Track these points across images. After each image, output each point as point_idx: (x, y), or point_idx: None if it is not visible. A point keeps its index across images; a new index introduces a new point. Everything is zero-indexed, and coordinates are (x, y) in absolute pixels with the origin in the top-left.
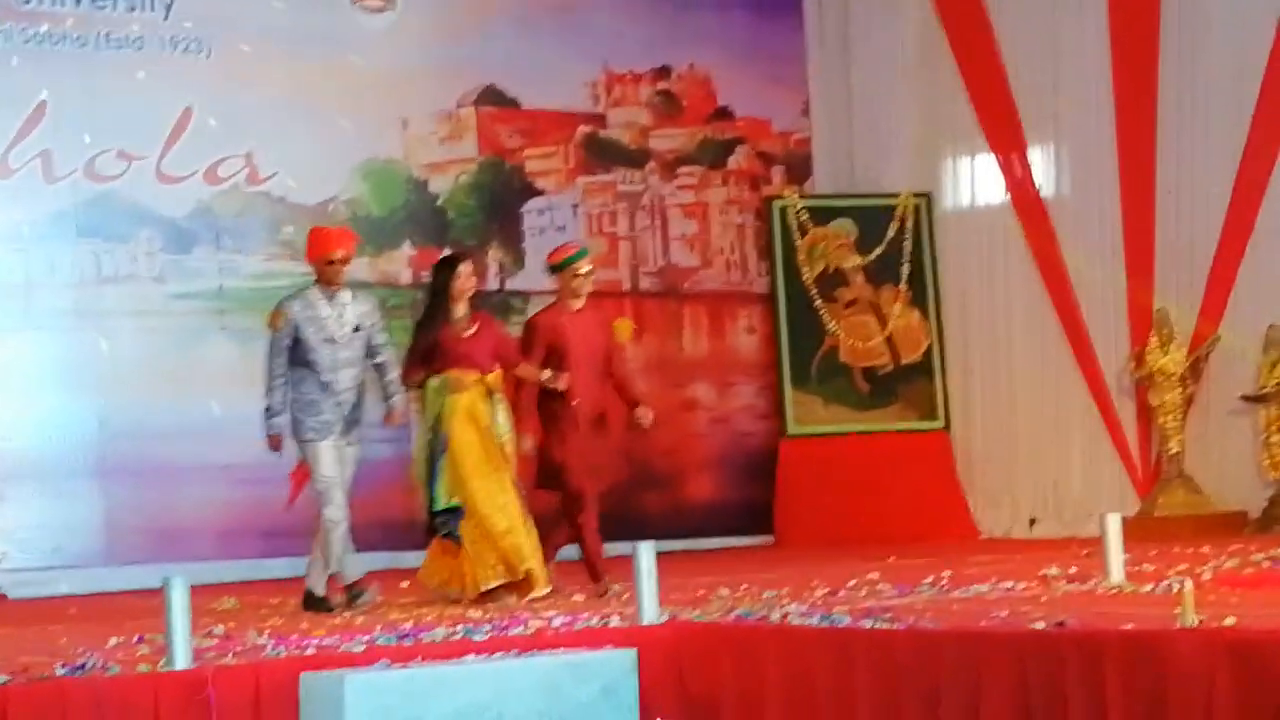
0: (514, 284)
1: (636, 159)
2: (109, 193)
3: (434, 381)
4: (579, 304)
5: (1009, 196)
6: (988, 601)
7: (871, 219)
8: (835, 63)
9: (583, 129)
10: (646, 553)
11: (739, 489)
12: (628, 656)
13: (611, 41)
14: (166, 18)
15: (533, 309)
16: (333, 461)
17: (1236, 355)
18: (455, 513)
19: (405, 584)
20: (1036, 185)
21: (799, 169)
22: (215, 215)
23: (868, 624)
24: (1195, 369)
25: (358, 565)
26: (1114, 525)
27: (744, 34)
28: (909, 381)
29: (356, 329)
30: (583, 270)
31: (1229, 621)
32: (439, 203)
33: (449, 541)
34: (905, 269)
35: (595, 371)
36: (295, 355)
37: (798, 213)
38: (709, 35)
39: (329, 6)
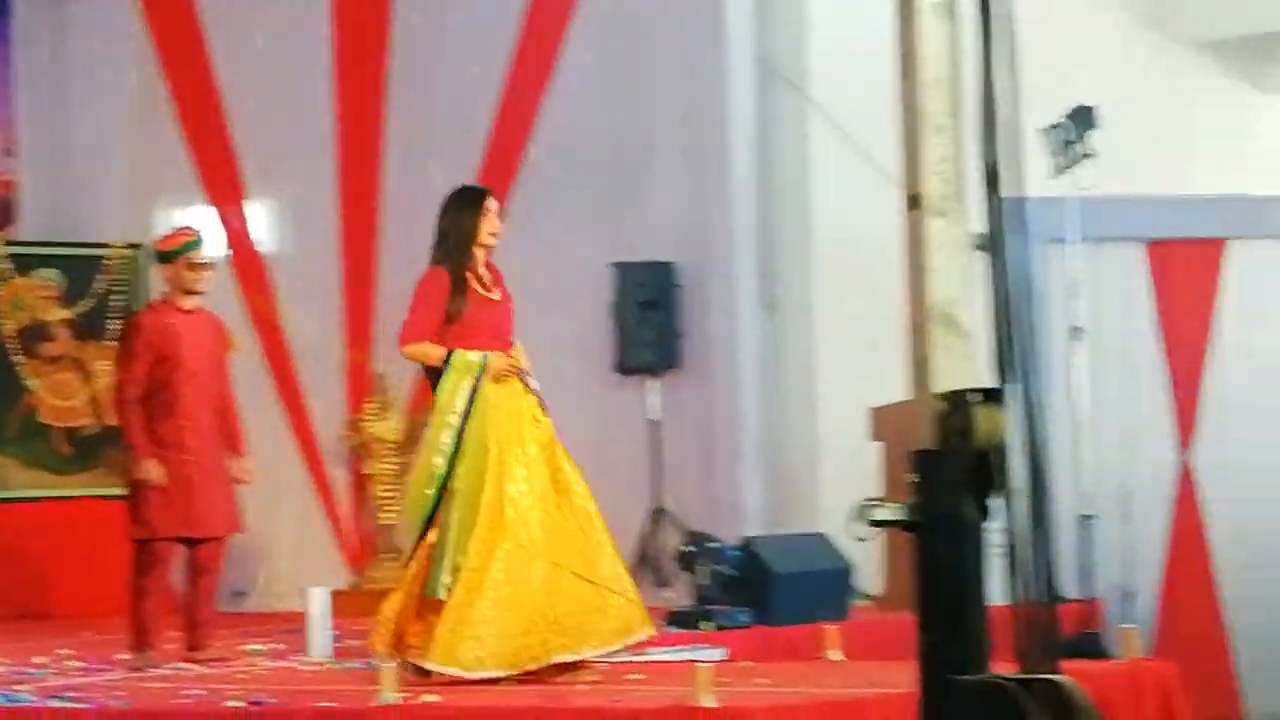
0: None
1: None
2: None
3: (469, 356)
4: (191, 303)
5: (229, 252)
6: (185, 679)
7: (80, 269)
8: (46, 103)
9: None
10: None
11: None
12: None
13: None
14: None
15: None
16: None
17: None
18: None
19: None
20: (255, 240)
21: (2, 214)
22: None
23: (53, 704)
24: (413, 437)
25: None
26: (317, 599)
27: None
28: (117, 444)
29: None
30: (197, 260)
31: (430, 699)
32: None
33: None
34: (114, 324)
35: (209, 389)
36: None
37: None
38: None
39: None
